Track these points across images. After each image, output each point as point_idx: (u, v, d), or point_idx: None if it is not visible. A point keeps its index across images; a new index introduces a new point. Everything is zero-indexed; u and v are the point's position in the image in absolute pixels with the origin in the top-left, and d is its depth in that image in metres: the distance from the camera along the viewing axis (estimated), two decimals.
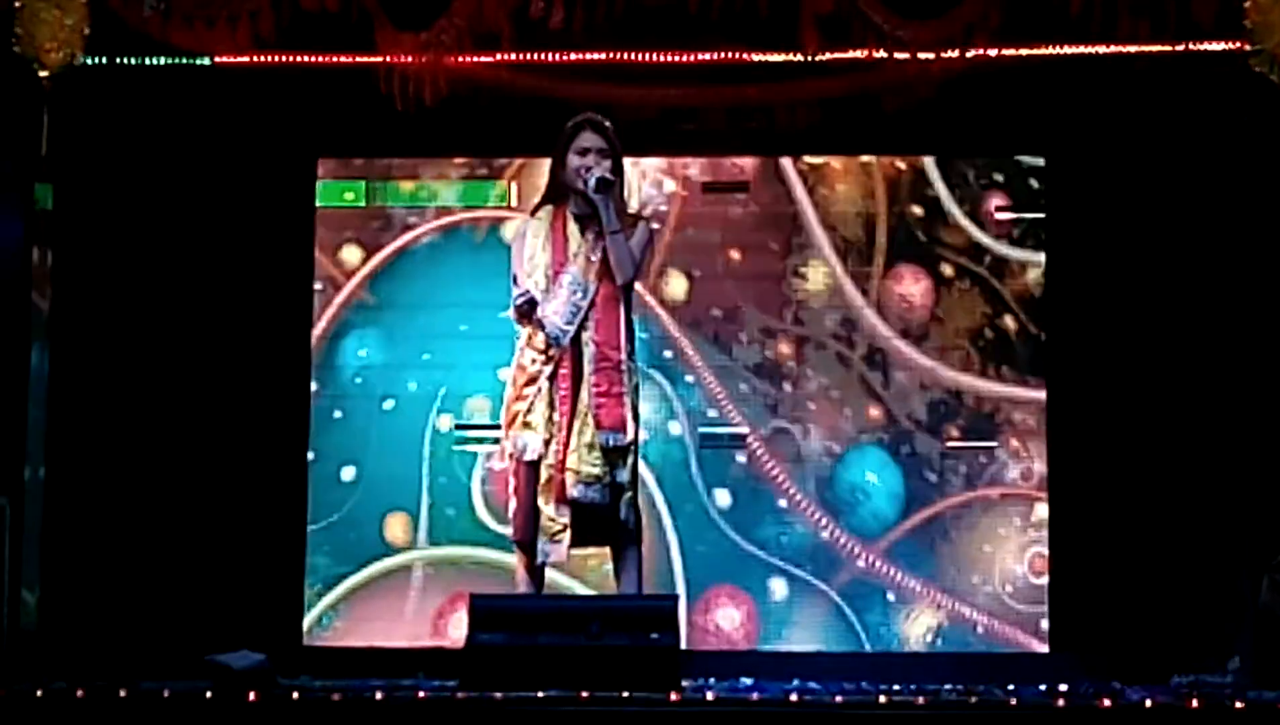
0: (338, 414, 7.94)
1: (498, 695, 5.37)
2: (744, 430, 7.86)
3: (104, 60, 7.42)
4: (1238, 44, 6.75)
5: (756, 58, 7.52)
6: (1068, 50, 7.39)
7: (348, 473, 7.91)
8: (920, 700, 5.62)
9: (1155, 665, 6.66)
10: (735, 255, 7.98)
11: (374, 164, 8.07)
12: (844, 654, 7.64)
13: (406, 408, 7.94)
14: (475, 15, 6.90)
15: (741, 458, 7.86)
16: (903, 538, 7.79)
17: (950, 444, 7.82)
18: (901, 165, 7.95)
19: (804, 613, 7.78)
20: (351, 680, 6.22)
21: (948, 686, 6.12)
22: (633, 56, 7.51)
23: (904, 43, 7.01)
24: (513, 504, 6.13)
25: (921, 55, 7.06)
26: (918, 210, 7.92)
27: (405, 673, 6.55)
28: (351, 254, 8.03)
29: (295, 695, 5.59)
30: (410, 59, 7.05)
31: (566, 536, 6.01)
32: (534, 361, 6.08)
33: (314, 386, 7.94)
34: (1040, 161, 7.89)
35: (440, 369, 7.95)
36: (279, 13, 6.90)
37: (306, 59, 7.57)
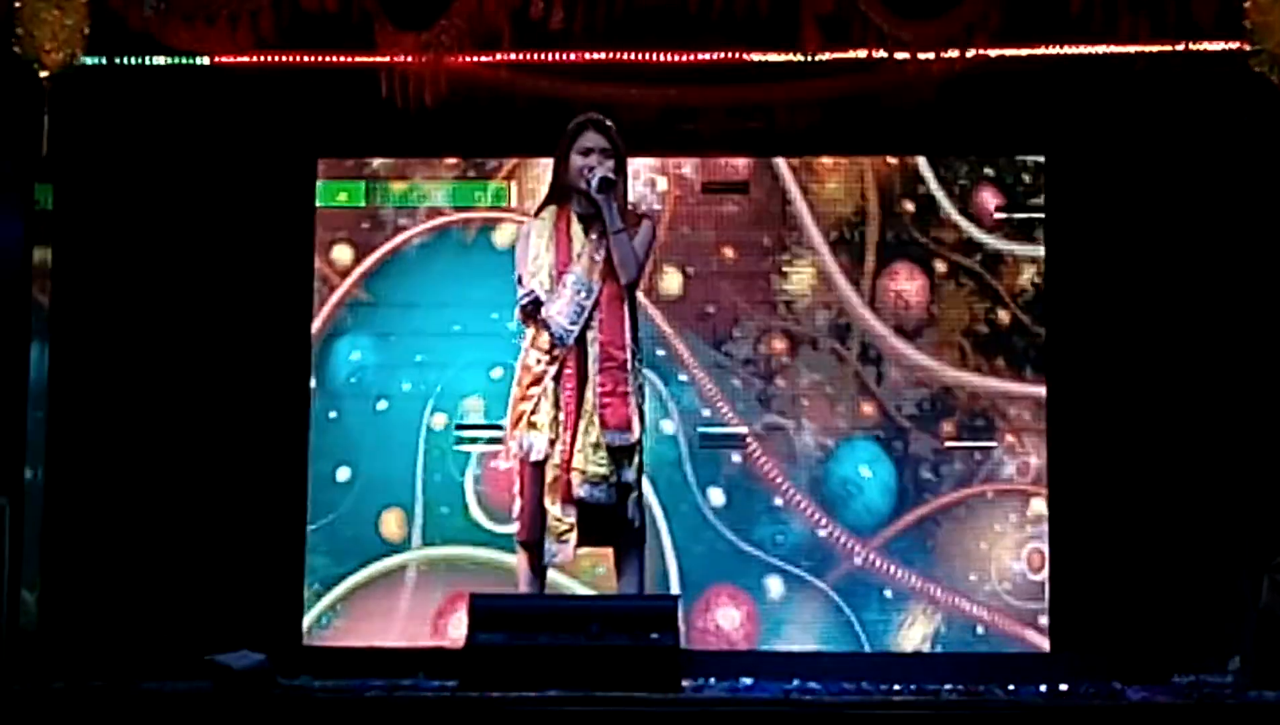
0: (333, 414, 7.94)
1: (497, 695, 5.37)
2: (741, 430, 7.84)
3: (104, 60, 7.42)
4: (1238, 44, 6.75)
5: (756, 58, 7.52)
6: (1068, 50, 7.39)
7: (343, 473, 7.89)
8: (920, 700, 5.63)
9: (1156, 665, 6.65)
10: (729, 252, 7.97)
11: (374, 164, 8.07)
12: (844, 654, 7.63)
13: (400, 407, 7.93)
14: (475, 15, 6.90)
15: (737, 457, 7.86)
16: (899, 534, 7.77)
17: (948, 442, 7.80)
18: (893, 160, 7.94)
19: (801, 610, 7.76)
20: (351, 680, 6.22)
21: (948, 686, 6.12)
22: (633, 56, 7.51)
23: (904, 43, 7.01)
24: (517, 504, 6.14)
25: (921, 55, 7.06)
26: (910, 205, 7.90)
27: (405, 673, 6.54)
28: (346, 254, 8.02)
29: (295, 695, 5.60)
30: (410, 59, 7.05)
31: (573, 536, 6.01)
32: (539, 361, 6.08)
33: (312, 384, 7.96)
34: (1037, 157, 7.89)
35: (434, 368, 7.94)
36: (279, 13, 6.90)
37: (306, 59, 7.57)
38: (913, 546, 7.77)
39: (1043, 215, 7.85)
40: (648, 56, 7.52)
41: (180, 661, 6.10)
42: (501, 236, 7.94)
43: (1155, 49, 7.12)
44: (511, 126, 7.66)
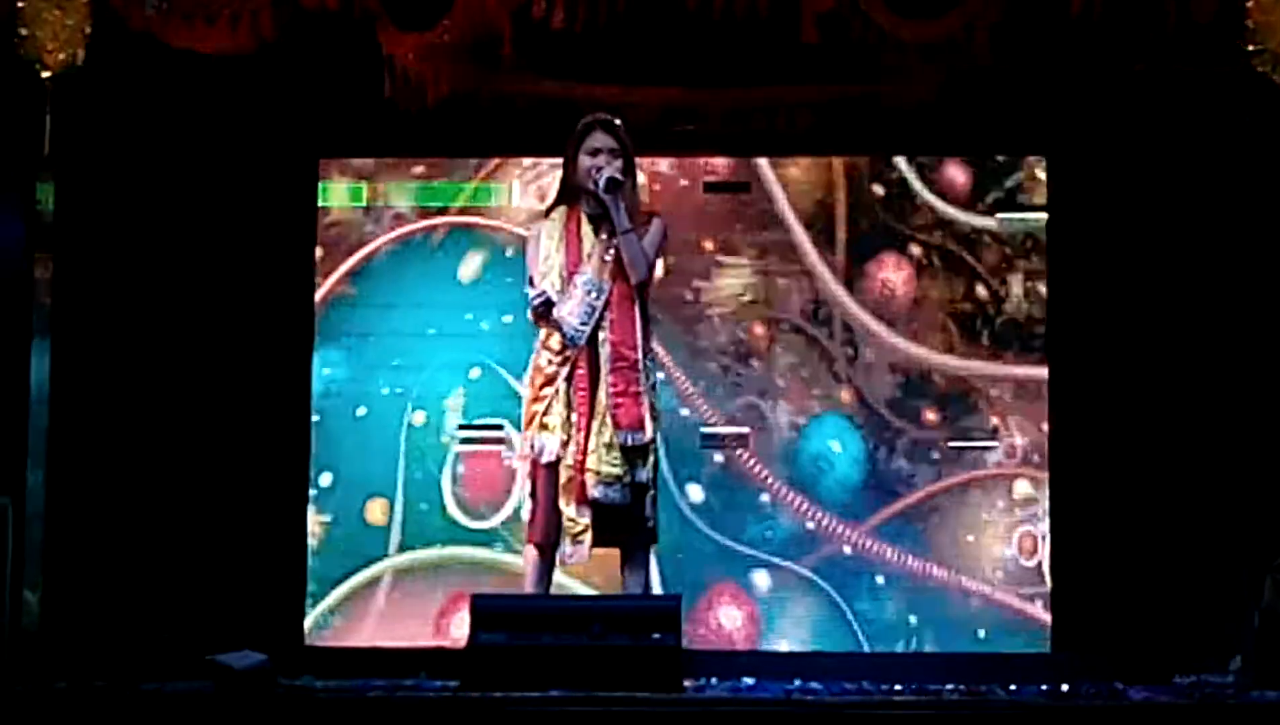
0: (315, 418, 7.93)
1: (499, 695, 5.38)
2: (738, 429, 7.84)
3: (105, 60, 7.42)
4: (1238, 44, 6.75)
5: (756, 58, 7.52)
6: (1067, 50, 7.39)
7: (324, 479, 7.90)
8: (922, 700, 5.63)
9: (1157, 665, 6.66)
10: (708, 245, 7.94)
11: (374, 164, 8.07)
12: (844, 654, 7.63)
13: (380, 409, 7.93)
14: (477, 15, 6.89)
15: (719, 456, 7.83)
16: (889, 520, 7.76)
17: (930, 428, 7.80)
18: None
19: (794, 604, 7.75)
20: (353, 680, 6.23)
21: (949, 686, 6.13)
22: (632, 57, 7.50)
23: (904, 42, 7.01)
24: (528, 506, 6.15)
25: (921, 55, 7.06)
26: (879, 190, 7.89)
27: (407, 673, 6.55)
28: (342, 254, 8.02)
29: (297, 695, 5.60)
30: (412, 59, 7.04)
31: (588, 537, 6.03)
32: (550, 362, 6.09)
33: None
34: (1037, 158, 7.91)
35: (422, 370, 7.95)
36: (279, 12, 6.90)
37: (307, 59, 7.56)
38: (905, 532, 7.75)
39: (1043, 215, 7.87)
40: (647, 56, 7.51)
41: (182, 662, 6.10)
42: (501, 238, 7.95)
43: (1154, 49, 7.13)
44: (512, 126, 7.66)
